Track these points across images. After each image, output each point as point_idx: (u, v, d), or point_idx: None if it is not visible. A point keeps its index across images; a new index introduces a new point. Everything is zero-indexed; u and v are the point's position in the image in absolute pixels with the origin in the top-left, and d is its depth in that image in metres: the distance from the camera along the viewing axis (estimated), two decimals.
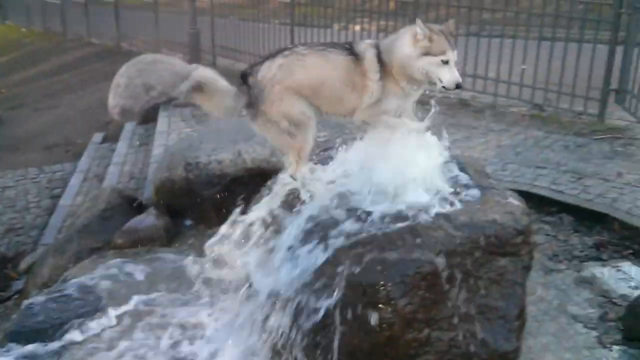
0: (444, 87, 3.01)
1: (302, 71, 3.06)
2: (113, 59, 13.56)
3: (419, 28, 2.96)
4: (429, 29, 2.98)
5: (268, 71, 3.05)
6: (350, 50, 3.13)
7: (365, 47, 3.13)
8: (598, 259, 4.30)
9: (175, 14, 13.63)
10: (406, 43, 3.03)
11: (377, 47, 3.14)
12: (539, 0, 8.27)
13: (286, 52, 3.11)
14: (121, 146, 7.67)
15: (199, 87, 3.04)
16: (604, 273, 4.09)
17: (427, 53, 2.97)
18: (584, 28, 7.72)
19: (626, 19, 7.22)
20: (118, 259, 4.22)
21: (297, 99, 3.07)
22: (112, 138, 8.47)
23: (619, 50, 7.34)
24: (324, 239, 2.89)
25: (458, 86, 3.01)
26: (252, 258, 3.24)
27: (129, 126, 8.50)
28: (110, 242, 4.59)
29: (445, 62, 2.97)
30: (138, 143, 7.73)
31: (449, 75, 2.98)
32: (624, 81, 7.37)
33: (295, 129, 3.09)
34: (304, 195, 3.22)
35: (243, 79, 3.11)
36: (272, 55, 3.15)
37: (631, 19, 7.16)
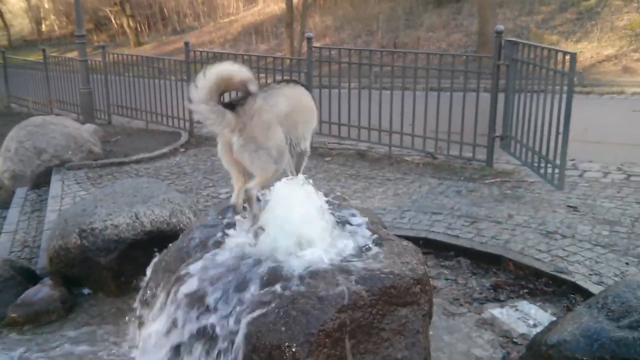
0: None
1: (284, 100, 3.22)
2: (2, 121, 12.98)
3: None
4: None
5: (254, 102, 3.13)
6: None
7: None
8: (496, 300, 4.43)
9: (67, 73, 13.32)
10: None
11: None
12: (423, 55, 8.70)
13: (264, 89, 3.24)
14: (12, 213, 7.27)
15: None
16: (503, 313, 4.23)
17: None
18: (467, 79, 8.16)
19: (505, 69, 7.71)
20: None
21: (280, 129, 3.19)
22: (2, 205, 8.04)
23: (501, 98, 7.80)
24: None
25: None
26: None
27: (20, 192, 8.09)
28: (4, 317, 4.34)
29: None
30: (30, 209, 7.37)
31: None
32: (506, 127, 7.82)
33: (278, 156, 3.19)
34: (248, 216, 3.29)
35: (230, 108, 3.12)
36: (251, 95, 3.19)
37: (509, 69, 7.65)
